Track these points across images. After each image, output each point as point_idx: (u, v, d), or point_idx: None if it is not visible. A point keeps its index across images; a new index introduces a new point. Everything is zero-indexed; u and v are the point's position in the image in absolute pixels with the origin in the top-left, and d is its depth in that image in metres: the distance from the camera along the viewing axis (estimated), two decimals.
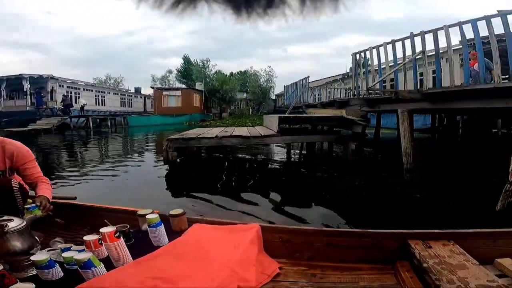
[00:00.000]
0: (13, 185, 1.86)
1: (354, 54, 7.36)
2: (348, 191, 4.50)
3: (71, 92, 23.47)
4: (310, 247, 1.61)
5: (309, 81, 17.00)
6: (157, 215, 1.60)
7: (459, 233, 1.51)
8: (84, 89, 25.35)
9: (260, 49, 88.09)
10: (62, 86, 23.07)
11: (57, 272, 1.30)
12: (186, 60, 37.41)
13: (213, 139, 5.70)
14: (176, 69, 38.63)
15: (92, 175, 5.99)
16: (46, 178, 2.05)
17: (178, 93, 28.21)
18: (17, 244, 1.43)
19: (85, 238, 1.43)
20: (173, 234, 1.63)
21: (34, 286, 1.13)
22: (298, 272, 1.52)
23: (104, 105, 27.35)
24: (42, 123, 17.47)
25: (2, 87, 20.61)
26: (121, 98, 30.88)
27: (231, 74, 43.66)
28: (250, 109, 35.86)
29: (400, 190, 4.37)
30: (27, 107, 20.05)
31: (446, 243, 1.46)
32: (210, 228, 1.69)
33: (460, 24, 4.18)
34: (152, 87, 31.80)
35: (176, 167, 5.76)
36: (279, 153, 8.81)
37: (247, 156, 8.04)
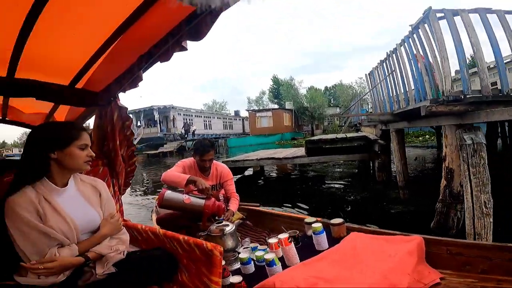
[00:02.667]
0: (220, 196, 2.46)
1: (367, 75, 7.44)
2: (346, 205, 5.19)
3: (186, 119, 28.73)
4: (484, 261, 1.57)
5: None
6: (320, 224, 1.85)
7: None
8: (195, 116, 30.79)
9: (353, 60, 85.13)
10: (180, 114, 28.50)
11: (252, 268, 1.68)
12: (275, 80, 39.98)
13: (253, 161, 7.21)
14: (267, 90, 41.94)
15: None
16: (237, 194, 2.52)
17: (269, 114, 30.47)
18: (230, 243, 1.83)
19: (269, 241, 1.79)
20: (332, 240, 1.86)
21: (242, 278, 1.47)
22: (464, 284, 1.50)
23: (211, 129, 32.17)
24: (167, 147, 22.09)
25: (141, 117, 26.94)
26: (223, 122, 35.73)
27: (326, 88, 43.95)
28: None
29: (386, 205, 4.78)
30: (158, 133, 25.62)
31: None
32: (367, 237, 1.79)
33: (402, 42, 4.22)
34: (247, 110, 35.21)
35: None
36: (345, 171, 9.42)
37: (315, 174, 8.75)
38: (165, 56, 1.24)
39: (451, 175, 3.27)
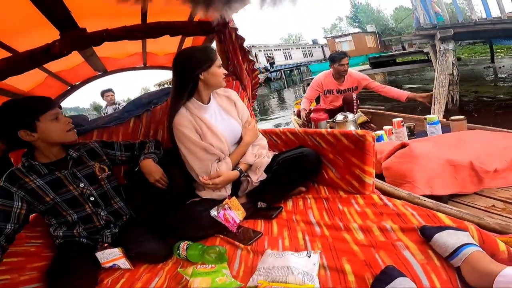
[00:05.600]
0: (353, 97, 2.77)
1: None
2: None
3: (266, 54, 30.00)
4: None
5: None
6: (436, 116, 1.91)
7: None
8: (274, 49, 31.73)
9: None
10: (261, 50, 29.76)
11: None
12: (354, 4, 37.31)
13: None
14: (345, 16, 39.65)
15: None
16: (384, 85, 2.73)
17: (349, 38, 28.94)
18: (352, 127, 2.21)
19: (384, 127, 2.01)
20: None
21: None
22: None
23: (291, 59, 32.55)
24: None
25: None
26: (302, 51, 35.60)
27: None
28: None
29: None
30: None
31: None
32: (485, 132, 1.73)
33: None
34: (325, 37, 34.32)
35: None
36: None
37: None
38: None
39: None
